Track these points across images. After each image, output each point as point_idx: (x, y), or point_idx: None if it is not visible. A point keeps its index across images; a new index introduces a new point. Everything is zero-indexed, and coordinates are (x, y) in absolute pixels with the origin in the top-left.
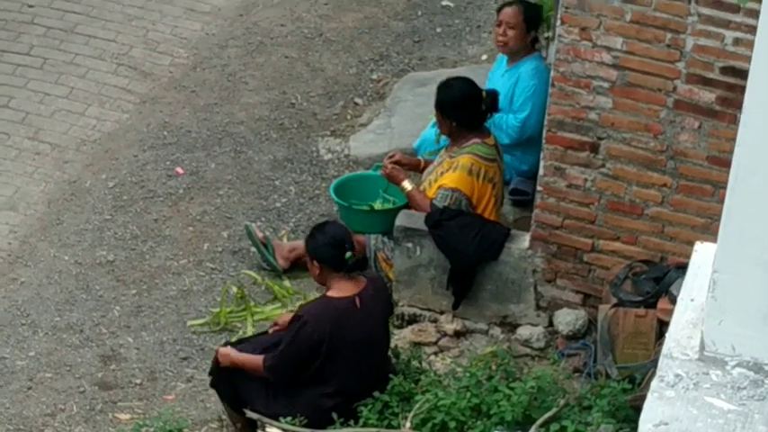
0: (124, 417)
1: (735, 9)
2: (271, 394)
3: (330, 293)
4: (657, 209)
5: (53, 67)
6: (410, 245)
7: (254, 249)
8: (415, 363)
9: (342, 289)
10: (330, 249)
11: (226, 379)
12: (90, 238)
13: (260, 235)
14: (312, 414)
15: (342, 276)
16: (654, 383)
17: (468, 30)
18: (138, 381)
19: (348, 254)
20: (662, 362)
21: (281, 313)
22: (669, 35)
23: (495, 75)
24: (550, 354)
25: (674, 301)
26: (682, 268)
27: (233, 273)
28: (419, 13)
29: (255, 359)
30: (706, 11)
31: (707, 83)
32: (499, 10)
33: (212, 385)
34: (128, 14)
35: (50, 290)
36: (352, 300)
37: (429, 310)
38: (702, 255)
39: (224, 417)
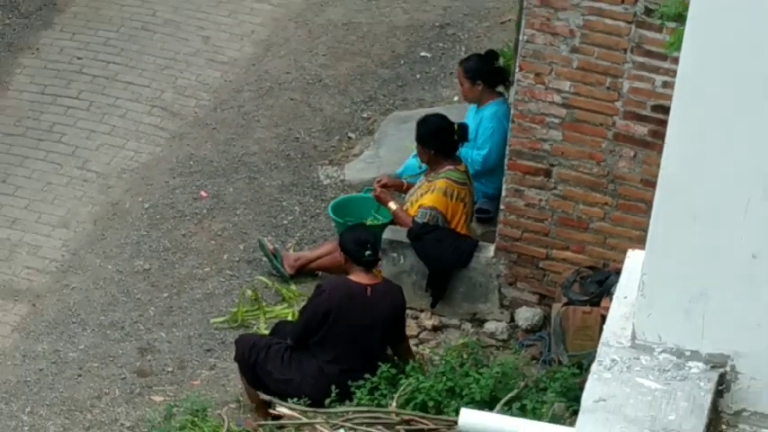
0: (158, 399)
1: (663, 57)
2: (285, 363)
3: (351, 277)
4: (600, 223)
5: (98, 109)
6: (395, 254)
7: (265, 259)
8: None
9: (359, 278)
10: (354, 245)
11: (250, 356)
12: (129, 251)
13: (270, 247)
14: (316, 379)
15: (361, 269)
16: (594, 367)
17: (442, 76)
18: (170, 369)
19: (368, 252)
20: (600, 349)
21: (289, 312)
22: (609, 79)
23: (469, 114)
24: (512, 344)
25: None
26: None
27: (248, 278)
28: (402, 62)
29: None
30: (639, 59)
31: (640, 119)
32: (460, 65)
33: (236, 359)
34: (160, 64)
35: (96, 294)
36: (365, 288)
37: (411, 308)
38: (634, 260)
39: (242, 398)
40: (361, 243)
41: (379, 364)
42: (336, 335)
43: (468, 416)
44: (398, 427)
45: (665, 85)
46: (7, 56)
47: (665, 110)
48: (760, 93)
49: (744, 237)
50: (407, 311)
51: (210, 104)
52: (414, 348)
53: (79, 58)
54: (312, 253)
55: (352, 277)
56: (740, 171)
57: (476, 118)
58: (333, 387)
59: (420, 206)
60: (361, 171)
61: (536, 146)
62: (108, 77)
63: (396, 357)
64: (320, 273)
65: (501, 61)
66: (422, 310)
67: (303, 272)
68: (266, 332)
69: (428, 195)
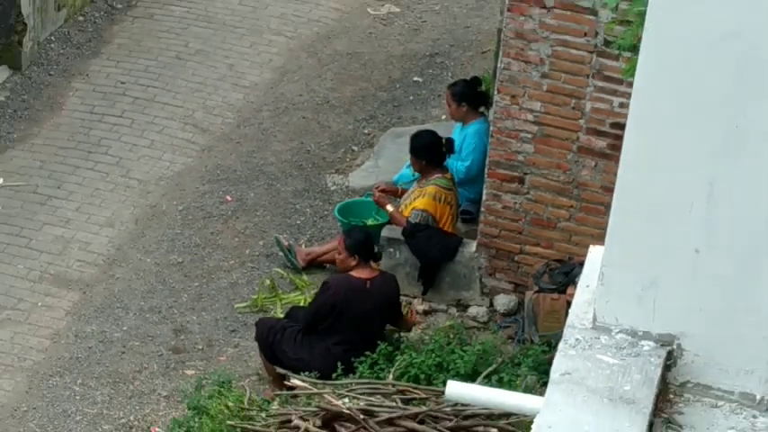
0: (190, 372)
1: (619, 82)
2: (297, 344)
3: (352, 273)
4: (566, 223)
5: (139, 126)
6: (392, 249)
7: (281, 254)
8: (396, 333)
9: (360, 273)
10: (363, 245)
11: (269, 336)
12: (165, 246)
13: (285, 243)
14: (324, 357)
15: (362, 265)
16: (561, 345)
17: (432, 98)
18: (200, 347)
19: (376, 251)
20: (566, 330)
21: (302, 298)
22: (573, 101)
23: (455, 131)
24: (491, 326)
25: None
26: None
27: (267, 270)
28: (397, 86)
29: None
30: (599, 83)
31: (600, 134)
32: (448, 89)
33: (257, 339)
34: (191, 88)
35: (137, 283)
36: (365, 281)
37: (405, 295)
38: (595, 255)
39: (261, 372)
40: (364, 246)
41: (378, 342)
42: (342, 323)
43: (453, 387)
44: (394, 396)
45: (622, 105)
46: (62, 80)
47: (621, 126)
48: (701, 112)
49: (688, 234)
50: (402, 298)
51: (234, 122)
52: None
53: (123, 83)
54: (321, 248)
55: (354, 273)
56: (685, 178)
57: (461, 134)
58: (338, 364)
59: (413, 208)
60: (362, 179)
61: (512, 157)
62: (147, 99)
63: (398, 330)
64: (327, 265)
65: (482, 86)
66: (414, 297)
67: (313, 264)
68: (282, 316)
69: (420, 199)
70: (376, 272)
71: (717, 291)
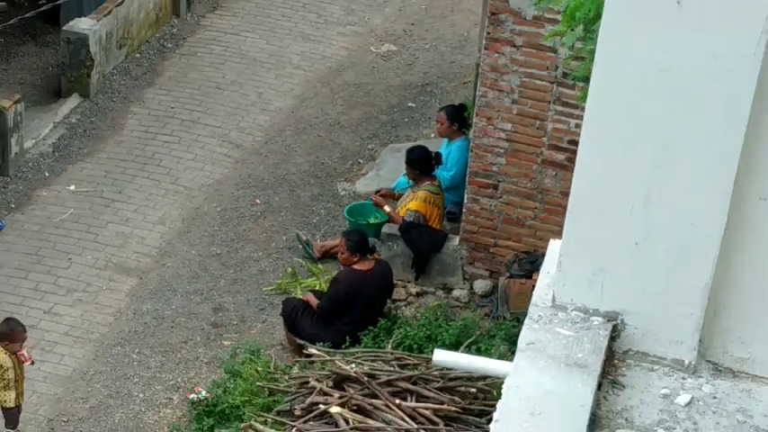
0: (227, 343)
1: (575, 107)
2: (313, 322)
3: (355, 266)
4: (532, 222)
5: (185, 143)
6: (390, 243)
7: (300, 246)
8: (394, 311)
9: (362, 265)
10: (361, 244)
11: (292, 314)
12: (206, 240)
13: (304, 238)
14: (334, 333)
15: (362, 259)
16: (527, 320)
17: (423, 120)
18: (235, 322)
19: (371, 246)
20: (531, 308)
21: (317, 283)
22: (538, 122)
23: (442, 146)
24: (471, 305)
25: None
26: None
27: (289, 260)
28: (395, 110)
29: (316, 301)
30: (559, 108)
31: (560, 149)
32: (438, 112)
33: (281, 315)
34: (228, 112)
35: (184, 270)
36: (367, 271)
37: (400, 280)
38: (554, 247)
39: (284, 343)
40: (361, 245)
41: (379, 319)
42: (352, 307)
43: (440, 354)
44: (392, 362)
45: (577, 125)
46: (122, 106)
47: (576, 143)
48: (640, 131)
49: (629, 230)
50: (398, 282)
51: (262, 139)
52: (403, 308)
53: (172, 107)
54: (333, 242)
55: (357, 266)
56: (627, 185)
57: (447, 149)
58: (347, 337)
59: (408, 209)
60: (366, 185)
61: (488, 168)
62: (192, 121)
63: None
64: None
65: (467, 111)
66: (408, 282)
67: (327, 255)
68: (301, 297)
69: (413, 202)
70: (373, 261)
71: (652, 276)
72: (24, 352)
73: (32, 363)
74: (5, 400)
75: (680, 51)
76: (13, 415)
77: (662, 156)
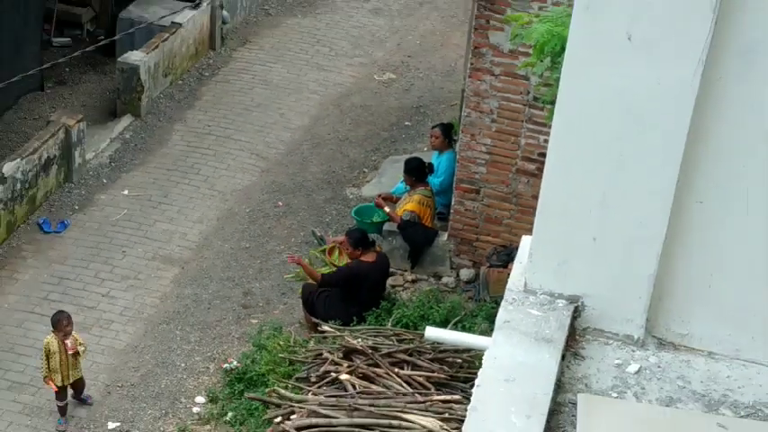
0: (254, 321)
1: (544, 125)
2: (327, 305)
3: (361, 258)
4: (508, 221)
5: (219, 155)
6: (390, 238)
7: (316, 241)
8: (393, 295)
9: (366, 257)
10: (362, 240)
11: (309, 297)
12: (237, 236)
13: (318, 234)
14: (344, 314)
15: (366, 252)
16: (503, 303)
17: (417, 136)
18: (261, 304)
19: (370, 240)
20: (507, 293)
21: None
22: (513, 138)
23: (433, 158)
24: (458, 290)
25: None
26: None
27: (306, 252)
28: (394, 128)
29: (318, 275)
30: (530, 126)
31: (531, 161)
32: (432, 129)
33: (301, 298)
34: (255, 129)
35: (218, 261)
36: (372, 262)
37: (399, 269)
38: (526, 242)
39: (302, 322)
40: (363, 240)
41: (381, 301)
42: (359, 291)
43: (431, 331)
44: (392, 337)
45: (545, 141)
46: (167, 124)
47: (544, 155)
48: (597, 145)
49: (588, 228)
50: (397, 271)
51: (284, 152)
52: (401, 293)
53: (209, 126)
54: (341, 238)
55: (362, 259)
56: (586, 190)
57: (437, 160)
58: (354, 317)
59: (405, 210)
60: (370, 190)
61: (471, 176)
62: (225, 137)
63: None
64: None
65: (455, 128)
66: (405, 270)
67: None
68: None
69: (410, 204)
70: (375, 253)
71: (607, 266)
72: (69, 341)
73: (75, 354)
74: (54, 380)
75: (630, 78)
76: (59, 394)
77: (615, 166)
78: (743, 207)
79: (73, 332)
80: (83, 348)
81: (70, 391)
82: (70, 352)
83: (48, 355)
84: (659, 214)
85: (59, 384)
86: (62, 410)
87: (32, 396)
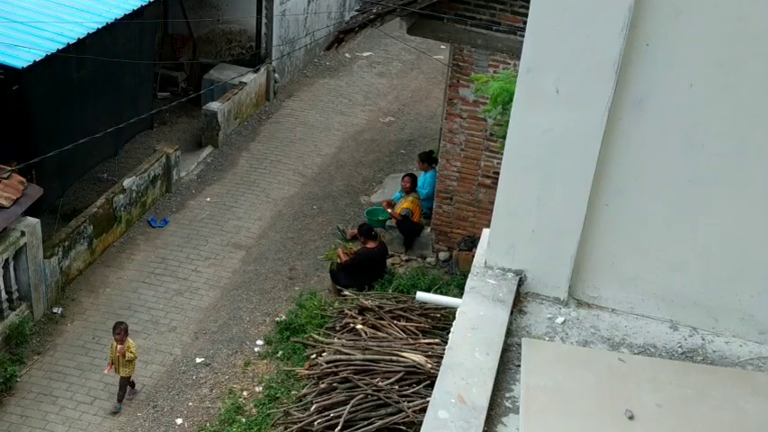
0: (297, 288)
1: (497, 152)
2: (347, 277)
3: (367, 245)
4: (473, 219)
5: (273, 173)
6: (391, 230)
7: (340, 233)
8: (392, 270)
9: (371, 245)
10: (369, 233)
11: (334, 272)
12: (285, 229)
13: (341, 228)
14: (359, 284)
15: (372, 241)
16: (469, 275)
17: (410, 160)
18: (302, 276)
19: (373, 233)
20: (472, 268)
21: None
22: (475, 161)
23: (422, 175)
24: (437, 267)
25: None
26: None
27: (332, 241)
28: (393, 155)
29: (345, 258)
30: (488, 153)
31: (489, 177)
32: (418, 155)
33: (329, 271)
34: (297, 155)
35: (272, 246)
36: (375, 248)
37: (396, 252)
38: (485, 233)
39: (330, 288)
40: (370, 230)
41: (384, 275)
42: (368, 269)
43: (420, 295)
44: (392, 299)
45: (498, 163)
46: (236, 153)
47: (498, 173)
48: (534, 166)
49: (529, 223)
50: (394, 253)
51: (317, 171)
52: (398, 268)
53: (265, 153)
54: (355, 230)
55: (368, 246)
56: (526, 197)
57: (423, 177)
58: (365, 286)
59: (403, 207)
60: (377, 198)
61: (447, 188)
62: (276, 161)
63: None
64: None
65: (434, 154)
66: (401, 253)
67: (353, 238)
68: (338, 253)
69: (405, 203)
70: (378, 243)
71: (542, 249)
72: (121, 346)
73: (123, 355)
74: (112, 367)
75: (557, 120)
76: (120, 384)
77: (546, 180)
78: (636, 209)
79: (129, 340)
80: (131, 356)
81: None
82: (118, 353)
83: (111, 349)
84: (577, 213)
85: (112, 373)
86: (121, 396)
87: (144, 340)
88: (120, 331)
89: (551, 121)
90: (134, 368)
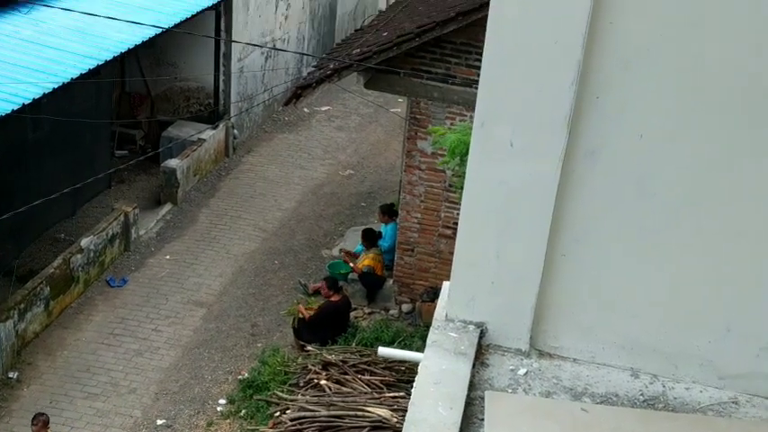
0: (259, 345)
1: (456, 203)
2: (310, 332)
3: (332, 299)
4: (434, 270)
5: (233, 229)
6: (353, 284)
7: (301, 287)
8: (355, 323)
9: (335, 298)
10: (335, 285)
11: (297, 327)
12: (246, 285)
13: (303, 282)
14: (322, 338)
15: (336, 294)
16: (431, 328)
17: (371, 213)
18: (264, 333)
19: (339, 285)
20: (434, 321)
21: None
22: (435, 213)
23: (382, 228)
24: (400, 319)
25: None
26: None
27: (294, 295)
28: (354, 207)
29: (308, 314)
30: (447, 204)
31: (449, 228)
32: (380, 207)
33: (292, 327)
34: (257, 210)
35: (234, 303)
36: (340, 300)
37: (359, 305)
38: (446, 285)
39: (293, 344)
40: (335, 283)
41: (347, 329)
42: (331, 323)
43: (382, 350)
44: (356, 353)
45: (458, 214)
46: (196, 209)
47: (457, 224)
48: (491, 216)
49: (488, 275)
50: (357, 307)
51: (278, 225)
52: (361, 322)
53: (225, 209)
54: (318, 284)
55: (332, 299)
56: (485, 248)
57: (385, 229)
58: (329, 340)
59: (364, 264)
60: (338, 251)
61: (408, 239)
62: (236, 217)
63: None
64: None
65: (395, 206)
66: (364, 306)
67: (315, 292)
68: (299, 309)
69: (366, 260)
70: (341, 296)
71: (502, 301)
72: None
73: None
74: None
75: (513, 172)
76: None
77: (504, 231)
78: (593, 258)
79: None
80: None
81: None
82: None
83: None
84: (536, 264)
85: None
86: None
87: (103, 403)
88: (38, 422)
89: (506, 174)
90: None
